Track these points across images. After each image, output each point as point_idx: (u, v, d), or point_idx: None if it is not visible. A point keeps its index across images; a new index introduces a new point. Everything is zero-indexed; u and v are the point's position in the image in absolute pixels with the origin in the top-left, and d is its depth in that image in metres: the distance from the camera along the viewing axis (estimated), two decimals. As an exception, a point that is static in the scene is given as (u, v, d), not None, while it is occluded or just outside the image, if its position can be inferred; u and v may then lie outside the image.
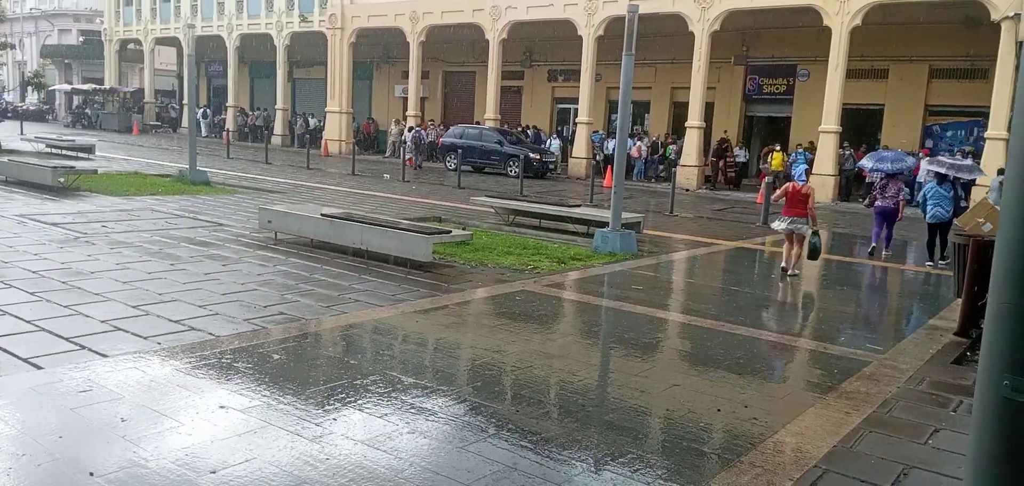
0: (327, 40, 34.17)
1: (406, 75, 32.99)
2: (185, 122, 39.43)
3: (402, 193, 19.55)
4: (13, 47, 55.67)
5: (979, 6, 20.15)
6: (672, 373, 6.18)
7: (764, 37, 26.81)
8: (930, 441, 4.85)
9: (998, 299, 2.01)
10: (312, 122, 37.08)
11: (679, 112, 28.37)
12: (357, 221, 10.48)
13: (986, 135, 20.59)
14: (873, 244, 12.93)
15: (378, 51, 36.75)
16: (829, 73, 22.52)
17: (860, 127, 25.32)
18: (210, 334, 6.35)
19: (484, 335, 6.97)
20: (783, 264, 10.50)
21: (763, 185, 18.48)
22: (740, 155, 26.69)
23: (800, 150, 24.52)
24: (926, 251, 12.37)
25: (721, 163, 26.29)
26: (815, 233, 10.30)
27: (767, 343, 7.18)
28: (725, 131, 27.66)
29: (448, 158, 27.91)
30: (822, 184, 22.39)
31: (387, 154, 33.61)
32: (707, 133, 26.76)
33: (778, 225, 10.63)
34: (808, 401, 5.50)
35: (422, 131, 30.50)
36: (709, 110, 26.99)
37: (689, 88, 25.10)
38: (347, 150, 30.93)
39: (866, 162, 15.56)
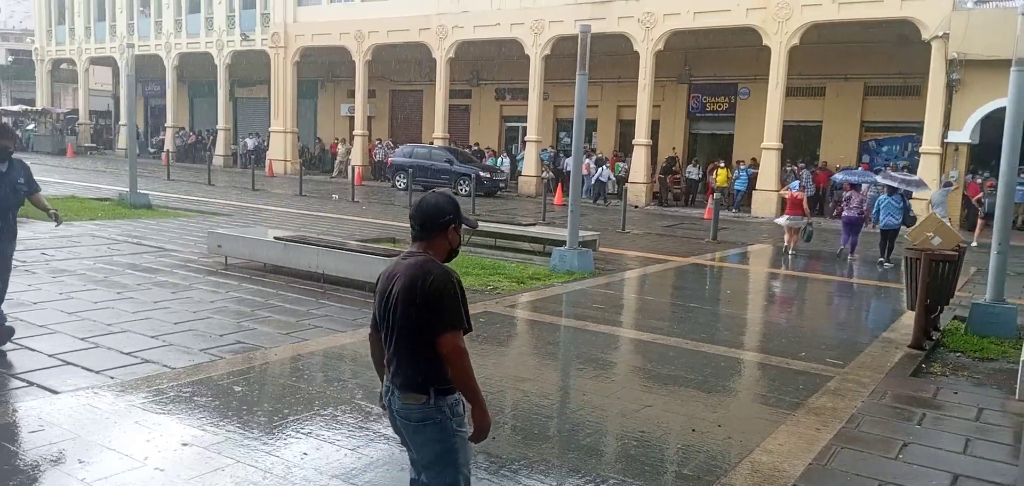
0: (270, 59, 33.62)
1: (352, 94, 32.64)
2: (121, 143, 38.25)
3: (353, 214, 19.27)
4: (-65, 67, 53.39)
5: (910, 26, 20.93)
6: (643, 393, 6.16)
7: (706, 56, 27.33)
8: (901, 456, 4.93)
9: None
10: (251, 143, 36.22)
11: (626, 130, 28.65)
12: (313, 244, 10.26)
13: (920, 149, 21.34)
14: (841, 246, 14.86)
15: (323, 70, 36.28)
16: (769, 91, 23.08)
17: (799, 143, 25.99)
18: (166, 366, 6.10)
19: (450, 359, 6.83)
20: (785, 247, 14.89)
21: (710, 201, 18.73)
22: (693, 172, 27.06)
23: (742, 167, 25.07)
24: (879, 251, 14.24)
25: (668, 179, 26.68)
26: (809, 224, 15.15)
27: (732, 359, 7.23)
28: (673, 148, 28.08)
29: (398, 177, 27.65)
30: (766, 200, 22.90)
31: (334, 174, 33.15)
32: (654, 150, 27.12)
33: (780, 221, 15.24)
34: (778, 418, 5.54)
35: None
36: (655, 128, 27.36)
37: (635, 106, 25.42)
38: (293, 170, 30.41)
39: (839, 177, 17.53)
